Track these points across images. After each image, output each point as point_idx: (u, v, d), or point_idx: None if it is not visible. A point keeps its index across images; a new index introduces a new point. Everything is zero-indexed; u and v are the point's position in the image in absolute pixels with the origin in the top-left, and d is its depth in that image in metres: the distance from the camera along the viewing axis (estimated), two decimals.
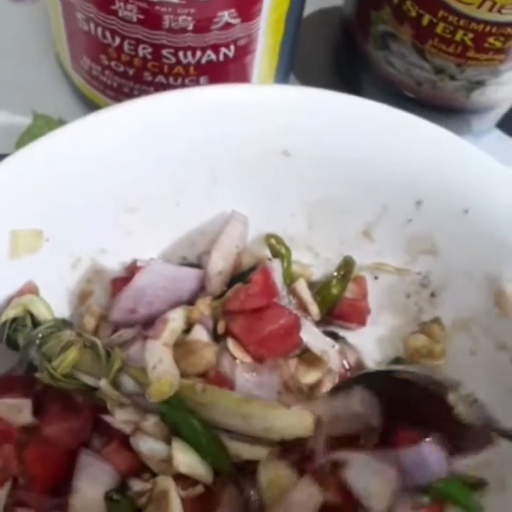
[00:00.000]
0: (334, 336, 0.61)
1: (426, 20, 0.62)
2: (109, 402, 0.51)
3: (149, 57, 0.59)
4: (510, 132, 0.77)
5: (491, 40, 0.61)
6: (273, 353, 0.56)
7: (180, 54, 0.58)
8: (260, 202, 0.61)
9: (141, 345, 0.53)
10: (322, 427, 0.53)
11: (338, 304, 0.62)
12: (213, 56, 0.59)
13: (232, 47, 0.59)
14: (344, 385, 0.55)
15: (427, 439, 0.51)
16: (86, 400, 0.53)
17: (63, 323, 0.56)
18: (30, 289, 0.55)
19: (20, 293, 0.55)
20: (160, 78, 0.61)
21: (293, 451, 0.53)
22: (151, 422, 0.51)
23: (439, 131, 0.58)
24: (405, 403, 0.52)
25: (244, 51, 0.60)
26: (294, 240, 0.63)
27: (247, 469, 0.53)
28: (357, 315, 0.63)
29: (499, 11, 0.58)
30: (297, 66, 0.74)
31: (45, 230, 0.55)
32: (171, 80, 0.61)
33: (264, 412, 0.51)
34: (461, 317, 0.61)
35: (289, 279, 0.60)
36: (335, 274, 0.62)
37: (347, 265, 0.62)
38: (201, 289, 0.59)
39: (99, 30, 0.58)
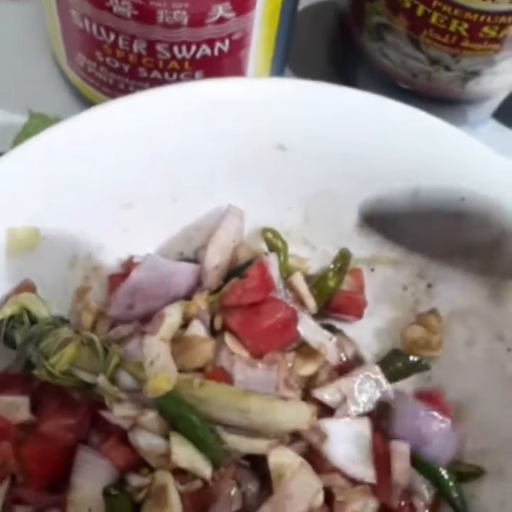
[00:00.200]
0: (331, 329, 0.61)
1: (420, 10, 0.62)
2: (107, 397, 0.51)
3: (144, 52, 0.59)
4: (506, 122, 0.77)
5: (486, 29, 0.61)
6: (270, 347, 0.56)
7: (175, 49, 0.58)
8: (257, 196, 0.61)
9: (139, 341, 0.53)
10: None
11: (335, 297, 0.62)
12: (208, 51, 0.59)
13: (226, 41, 0.59)
14: None
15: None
16: (84, 396, 0.53)
17: (61, 321, 0.56)
18: (28, 287, 0.55)
19: (18, 291, 0.55)
20: (155, 74, 0.61)
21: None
22: (149, 417, 0.51)
23: (435, 121, 0.58)
24: None
25: (239, 45, 0.60)
26: (290, 233, 0.63)
27: (245, 464, 0.53)
28: (354, 307, 0.63)
29: (493, 0, 0.58)
30: (293, 59, 0.73)
31: (41, 228, 0.55)
32: (166, 75, 0.61)
33: (262, 406, 0.51)
34: (457, 308, 0.61)
35: (286, 272, 0.60)
36: (331, 266, 0.62)
37: (343, 258, 0.62)
38: (198, 284, 0.59)
39: (94, 26, 0.58)
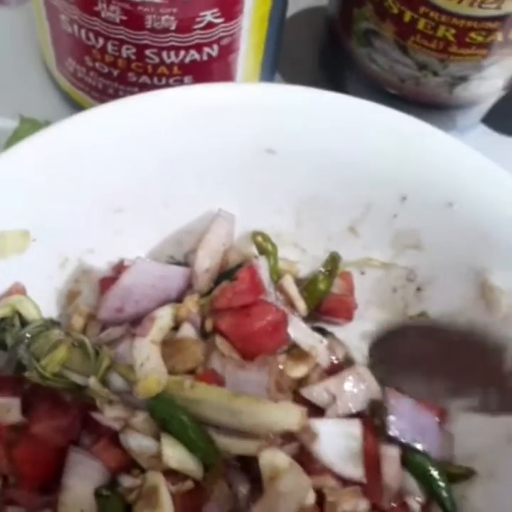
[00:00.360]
0: (322, 332, 0.61)
1: (407, 16, 0.62)
2: (99, 399, 0.52)
3: (133, 57, 0.59)
4: (496, 127, 0.78)
5: (473, 35, 0.61)
6: (261, 350, 0.56)
7: (164, 54, 0.59)
8: (247, 200, 0.61)
9: (129, 344, 0.54)
10: None
11: (325, 300, 0.62)
12: (197, 56, 0.59)
13: (215, 46, 0.59)
14: None
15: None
16: (75, 398, 0.54)
17: (51, 323, 0.56)
18: (18, 290, 0.55)
19: (8, 293, 0.55)
20: (144, 79, 0.61)
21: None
22: (140, 418, 0.52)
23: (423, 126, 0.58)
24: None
25: (227, 50, 0.60)
26: (280, 237, 0.63)
27: (236, 465, 0.54)
28: (344, 310, 0.63)
29: (480, 6, 0.59)
30: (282, 65, 0.74)
31: (31, 231, 0.55)
32: (155, 80, 0.61)
33: (253, 407, 0.51)
34: (447, 311, 0.61)
35: (276, 275, 0.61)
36: (322, 269, 0.62)
37: (333, 261, 0.62)
38: (188, 287, 0.59)
39: (83, 31, 0.58)
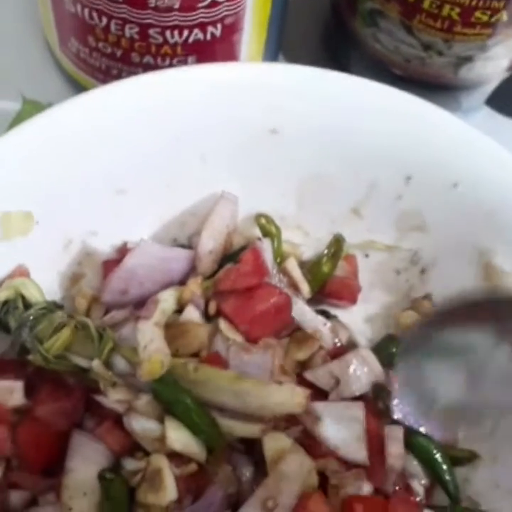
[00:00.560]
0: (326, 315, 0.61)
1: None
2: (102, 382, 0.52)
3: (136, 37, 0.59)
4: (499, 109, 0.77)
5: (478, 14, 0.61)
6: (265, 332, 0.56)
7: (167, 33, 0.58)
8: (250, 182, 0.61)
9: (133, 326, 0.53)
10: None
11: (329, 282, 0.62)
12: (200, 35, 0.59)
13: (219, 25, 0.59)
14: None
15: None
16: (78, 381, 0.53)
17: (55, 306, 0.56)
18: (21, 272, 0.55)
19: (12, 276, 0.55)
20: (148, 59, 0.61)
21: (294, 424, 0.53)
22: (143, 401, 0.51)
23: (427, 105, 0.58)
24: None
25: (231, 30, 0.60)
26: (284, 219, 0.63)
27: (240, 448, 0.54)
28: (348, 293, 0.63)
29: None
30: (286, 45, 0.73)
31: (35, 212, 0.55)
32: (159, 60, 0.61)
33: (257, 389, 0.51)
34: (451, 293, 0.61)
35: (280, 258, 0.61)
36: (325, 252, 0.62)
37: (337, 243, 0.62)
38: (192, 270, 0.59)
39: (86, 11, 0.58)
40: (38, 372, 0.54)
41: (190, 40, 0.59)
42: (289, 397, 0.52)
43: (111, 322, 0.56)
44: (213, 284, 0.57)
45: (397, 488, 0.55)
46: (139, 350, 0.51)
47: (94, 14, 0.58)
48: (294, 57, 0.76)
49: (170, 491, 0.50)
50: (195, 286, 0.57)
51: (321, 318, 0.59)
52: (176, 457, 0.51)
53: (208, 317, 0.57)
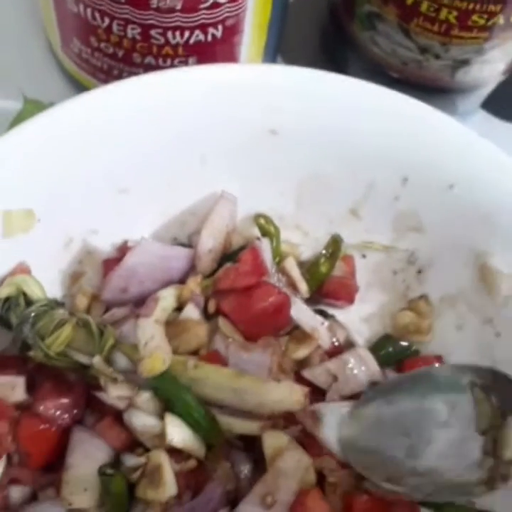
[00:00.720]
0: (323, 314, 0.62)
1: None
2: (103, 378, 0.52)
3: (138, 37, 0.59)
4: (495, 112, 0.78)
5: (475, 17, 0.61)
6: (263, 331, 0.56)
7: (169, 34, 0.59)
8: (249, 182, 0.62)
9: (134, 324, 0.54)
10: None
11: (327, 282, 0.63)
12: (202, 36, 0.59)
13: (220, 27, 0.59)
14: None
15: None
16: (79, 377, 0.54)
17: (56, 304, 0.57)
18: (23, 270, 0.56)
19: (13, 273, 0.55)
20: (149, 59, 0.61)
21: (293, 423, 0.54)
22: (144, 397, 0.52)
23: (425, 107, 0.58)
24: None
25: (232, 31, 0.60)
26: (283, 219, 0.63)
27: (239, 445, 0.54)
28: (345, 293, 0.64)
29: None
30: (284, 48, 0.74)
31: (36, 210, 0.55)
32: (160, 61, 0.61)
33: (256, 387, 0.52)
34: (447, 293, 0.62)
35: (279, 258, 0.61)
36: (323, 252, 0.62)
37: (335, 243, 0.62)
38: (192, 269, 0.59)
39: (89, 11, 0.58)
40: (40, 369, 0.54)
41: (192, 41, 0.59)
42: (288, 394, 0.52)
43: (111, 320, 0.56)
44: (213, 283, 0.57)
45: None
46: (140, 347, 0.52)
47: (97, 14, 0.58)
48: (292, 60, 0.76)
49: (169, 487, 0.51)
50: (194, 285, 0.57)
51: (319, 318, 0.60)
52: (176, 453, 0.52)
53: (207, 315, 0.57)
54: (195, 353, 0.55)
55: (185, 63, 0.61)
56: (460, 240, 0.59)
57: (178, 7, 0.56)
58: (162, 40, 0.59)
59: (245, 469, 0.54)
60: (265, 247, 0.58)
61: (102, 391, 0.52)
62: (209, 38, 0.60)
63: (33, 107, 0.64)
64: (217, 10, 0.57)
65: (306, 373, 0.57)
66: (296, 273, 0.60)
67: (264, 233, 0.61)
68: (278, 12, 0.63)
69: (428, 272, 0.63)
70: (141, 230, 0.61)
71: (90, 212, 0.59)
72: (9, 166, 0.54)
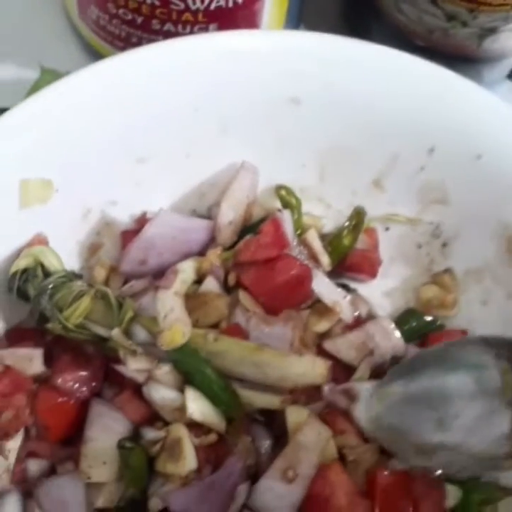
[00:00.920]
0: (346, 288, 0.61)
1: None
2: (122, 351, 0.51)
3: (157, 3, 0.58)
4: None
5: None
6: (284, 304, 0.55)
7: None
8: (270, 152, 0.61)
9: (153, 296, 0.53)
10: None
11: (349, 256, 0.62)
12: (222, 2, 0.58)
13: None
14: None
15: None
16: (97, 350, 0.53)
17: (73, 275, 0.56)
18: (40, 241, 0.55)
19: (30, 244, 0.55)
20: (168, 26, 0.60)
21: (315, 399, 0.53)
22: (164, 370, 0.51)
23: (452, 75, 0.57)
24: None
25: None
26: (305, 191, 0.62)
27: (260, 420, 0.53)
28: (368, 266, 0.63)
29: None
30: (307, 16, 0.73)
31: (54, 180, 0.54)
32: (180, 27, 0.60)
33: (278, 360, 0.51)
34: (472, 267, 0.61)
35: (300, 230, 0.60)
36: (346, 224, 0.61)
37: (358, 215, 0.61)
38: (211, 241, 0.59)
39: None
40: (57, 341, 0.54)
41: (212, 6, 0.58)
42: (310, 368, 0.52)
43: (130, 292, 0.55)
44: (233, 255, 0.56)
45: None
46: (159, 320, 0.51)
47: None
48: (313, 28, 0.74)
49: (189, 461, 0.50)
50: (214, 257, 0.56)
51: (341, 291, 0.59)
52: (196, 427, 0.51)
53: (227, 288, 0.56)
54: (215, 326, 0.55)
55: (206, 30, 0.61)
56: (487, 211, 0.58)
57: None
58: (182, 5, 0.58)
59: (266, 444, 0.53)
60: (286, 218, 0.57)
61: (120, 364, 0.52)
62: (230, 3, 0.59)
63: (49, 76, 0.63)
64: None
65: (328, 345, 0.56)
66: (317, 245, 0.59)
67: (286, 205, 0.60)
68: None
69: (453, 245, 0.62)
70: (160, 201, 0.60)
71: (108, 183, 0.58)
72: (26, 135, 0.53)
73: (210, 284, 0.56)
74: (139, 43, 0.62)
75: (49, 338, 0.54)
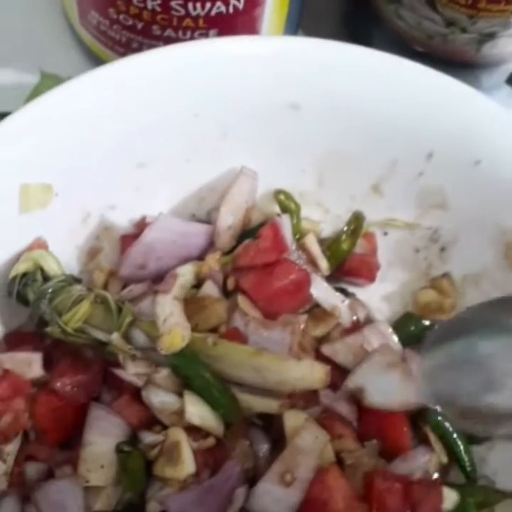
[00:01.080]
0: (344, 292, 0.61)
1: None
2: (121, 355, 0.52)
3: (158, 9, 0.58)
4: None
5: None
6: (283, 309, 0.56)
7: (190, 5, 0.58)
8: (270, 157, 0.61)
9: (152, 300, 0.53)
10: None
11: (348, 260, 0.62)
12: (223, 8, 0.58)
13: None
14: None
15: None
16: (96, 354, 0.53)
17: (73, 279, 0.56)
18: (40, 245, 0.55)
19: (30, 248, 0.55)
20: (169, 32, 0.60)
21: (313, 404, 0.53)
22: (162, 374, 0.51)
23: (451, 80, 0.57)
24: None
25: (253, 3, 0.60)
26: (303, 196, 0.63)
27: (258, 424, 0.54)
28: (366, 270, 0.63)
29: None
30: (306, 22, 0.73)
31: (54, 185, 0.55)
32: (180, 33, 0.60)
33: (276, 364, 0.51)
34: (470, 271, 0.61)
35: (299, 234, 0.60)
36: (345, 229, 0.61)
37: (357, 220, 0.61)
38: (210, 245, 0.59)
39: None
40: (57, 345, 0.54)
41: (213, 12, 0.59)
42: (309, 372, 0.52)
43: (129, 296, 0.56)
44: (232, 260, 0.57)
45: None
46: (159, 324, 0.51)
47: None
48: (313, 34, 0.74)
49: (188, 465, 0.50)
50: (213, 262, 0.56)
51: (339, 295, 0.59)
52: (194, 431, 0.52)
53: (226, 293, 0.56)
54: (214, 330, 0.55)
55: (206, 36, 0.61)
56: (485, 216, 0.59)
57: None
58: (183, 11, 0.58)
59: (264, 448, 0.53)
60: (285, 223, 0.57)
61: (119, 368, 0.52)
62: (230, 9, 0.59)
63: (50, 81, 0.63)
64: None
65: (326, 349, 0.56)
66: (316, 250, 0.59)
67: (284, 209, 0.61)
68: None
69: (451, 249, 0.62)
70: (159, 206, 0.60)
71: (108, 187, 0.58)
72: (26, 140, 0.53)
73: (209, 289, 0.56)
74: (139, 49, 0.63)
75: (48, 342, 0.54)
